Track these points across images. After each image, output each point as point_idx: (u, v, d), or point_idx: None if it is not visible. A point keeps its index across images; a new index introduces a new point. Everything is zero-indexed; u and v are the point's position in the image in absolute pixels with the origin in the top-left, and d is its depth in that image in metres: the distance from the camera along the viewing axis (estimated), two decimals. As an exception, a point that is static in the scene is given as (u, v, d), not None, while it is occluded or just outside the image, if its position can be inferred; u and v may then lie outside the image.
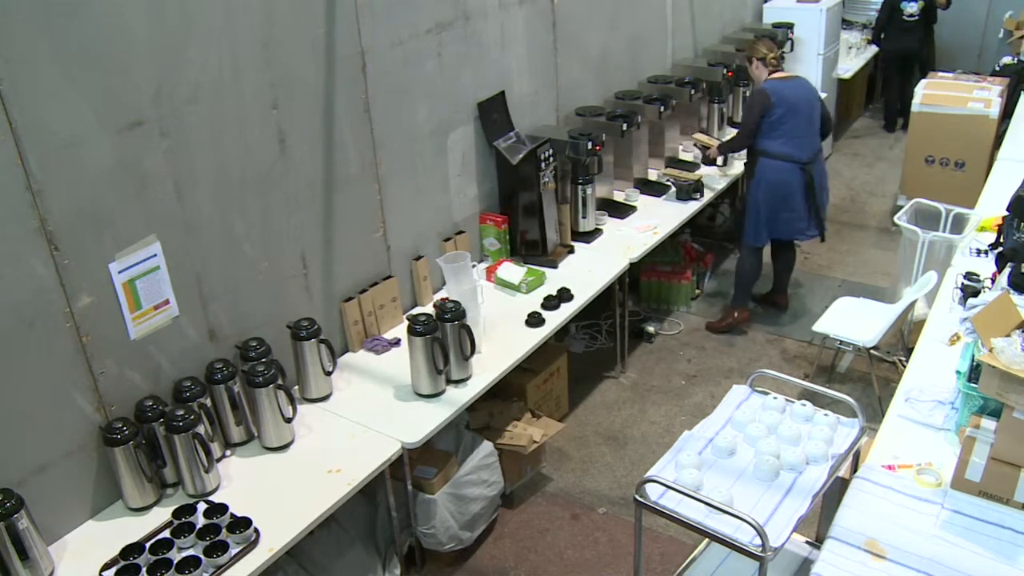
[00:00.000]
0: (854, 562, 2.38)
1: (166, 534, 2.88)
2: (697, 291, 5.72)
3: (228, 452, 3.31)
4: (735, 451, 2.66)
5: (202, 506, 2.99)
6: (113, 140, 2.80)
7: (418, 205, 4.13)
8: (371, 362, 3.83)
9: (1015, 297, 3.06)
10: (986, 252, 3.99)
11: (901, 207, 5.13)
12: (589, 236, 4.84)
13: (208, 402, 3.16)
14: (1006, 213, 3.69)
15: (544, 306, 4.15)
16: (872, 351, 4.45)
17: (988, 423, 2.49)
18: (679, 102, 5.41)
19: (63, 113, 2.65)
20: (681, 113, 5.67)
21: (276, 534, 2.88)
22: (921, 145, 6.30)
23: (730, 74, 5.89)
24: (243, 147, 3.23)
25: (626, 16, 5.40)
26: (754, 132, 4.90)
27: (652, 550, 3.76)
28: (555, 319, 4.08)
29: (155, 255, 3.01)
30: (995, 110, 6.01)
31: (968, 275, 3.58)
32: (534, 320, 4.02)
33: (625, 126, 4.88)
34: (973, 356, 2.64)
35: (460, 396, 3.57)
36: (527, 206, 4.52)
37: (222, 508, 2.97)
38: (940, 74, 6.75)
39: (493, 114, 4.42)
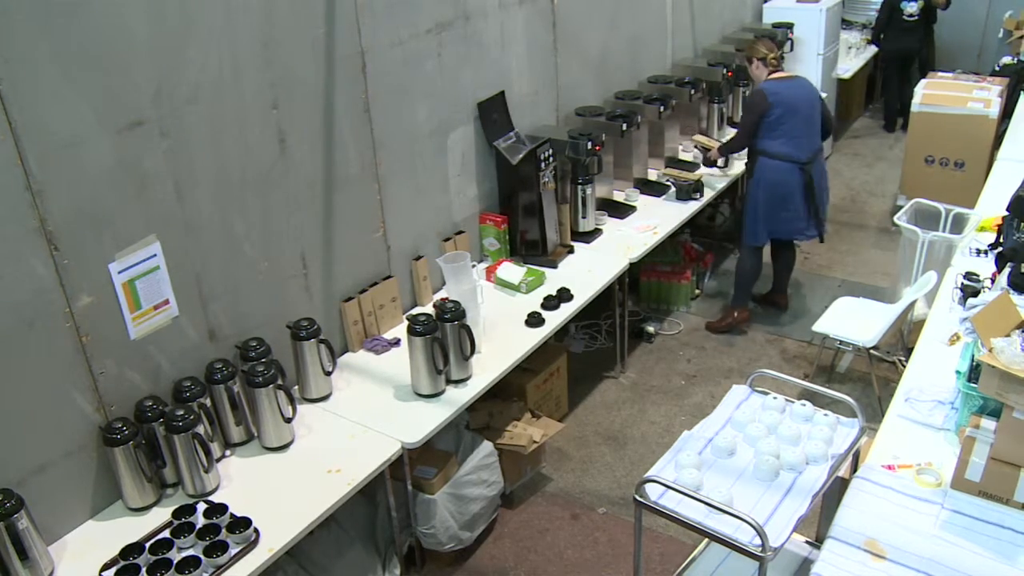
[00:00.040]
0: (854, 562, 2.38)
1: (166, 534, 2.88)
2: (697, 291, 5.72)
3: (228, 452, 3.31)
4: (735, 451, 2.66)
5: (202, 506, 2.99)
6: (113, 140, 2.80)
7: (418, 205, 4.13)
8: (371, 362, 3.83)
9: (1015, 297, 3.06)
10: (986, 252, 3.99)
11: (901, 207, 5.13)
12: (589, 236, 4.84)
13: (208, 402, 3.16)
14: (1006, 213, 3.69)
15: (544, 306, 4.15)
16: (872, 351, 4.45)
17: (988, 423, 2.49)
18: (679, 102, 5.41)
19: (63, 113, 2.65)
20: (681, 113, 5.67)
21: (276, 534, 2.88)
22: (921, 145, 6.31)
23: (730, 74, 5.89)
24: (243, 147, 3.23)
25: (626, 16, 5.40)
26: (752, 133, 4.90)
27: (652, 550, 3.76)
28: (555, 319, 4.08)
29: (155, 255, 3.01)
30: (995, 110, 6.01)
31: (968, 275, 3.58)
32: (534, 320, 4.02)
33: (625, 126, 4.88)
34: (973, 356, 2.64)
35: (460, 396, 3.57)
36: (527, 206, 4.52)
37: (222, 508, 2.97)
38: (940, 74, 6.75)
39: (493, 114, 4.42)
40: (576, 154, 4.62)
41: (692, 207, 5.19)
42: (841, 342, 4.49)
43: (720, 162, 5.48)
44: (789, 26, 6.69)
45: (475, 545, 3.81)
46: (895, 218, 4.97)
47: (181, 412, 2.98)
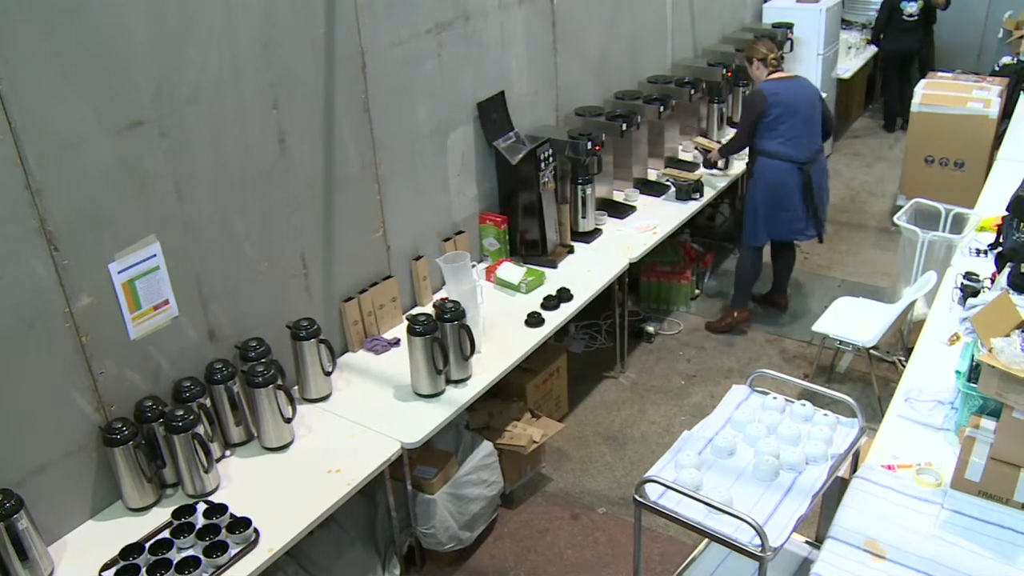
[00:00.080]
0: (854, 562, 2.38)
1: (166, 534, 2.87)
2: (697, 291, 5.72)
3: (228, 452, 3.31)
4: (735, 451, 2.66)
5: (202, 506, 2.99)
6: (113, 140, 2.80)
7: (418, 205, 4.13)
8: (371, 362, 3.83)
9: (1015, 297, 3.06)
10: (985, 252, 3.99)
11: (901, 207, 5.13)
12: (589, 236, 4.84)
13: (208, 402, 3.16)
14: (1005, 213, 3.69)
15: (544, 306, 4.15)
16: (872, 351, 4.45)
17: (988, 423, 2.49)
18: (679, 102, 5.41)
19: (63, 113, 2.65)
20: (681, 113, 5.67)
21: (276, 534, 2.88)
22: (921, 145, 6.31)
23: (730, 74, 5.89)
24: (243, 147, 3.23)
25: (626, 16, 5.40)
26: (751, 133, 4.91)
27: (652, 550, 3.76)
28: (555, 319, 4.08)
29: (155, 255, 3.01)
30: (994, 110, 6.01)
31: (968, 275, 3.58)
32: (534, 320, 4.02)
33: (625, 126, 4.88)
34: (973, 356, 2.64)
35: (460, 396, 3.57)
36: (527, 206, 4.52)
37: (222, 508, 2.97)
38: (939, 74, 6.75)
39: (493, 114, 4.42)
40: (576, 154, 4.62)
41: (692, 207, 5.19)
42: (841, 342, 4.49)
43: (720, 164, 5.48)
44: (789, 26, 6.69)
45: (475, 545, 3.81)
46: (895, 218, 4.98)
47: (181, 412, 2.98)
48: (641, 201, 5.26)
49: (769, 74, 4.88)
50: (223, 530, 2.84)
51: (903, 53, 7.86)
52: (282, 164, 3.40)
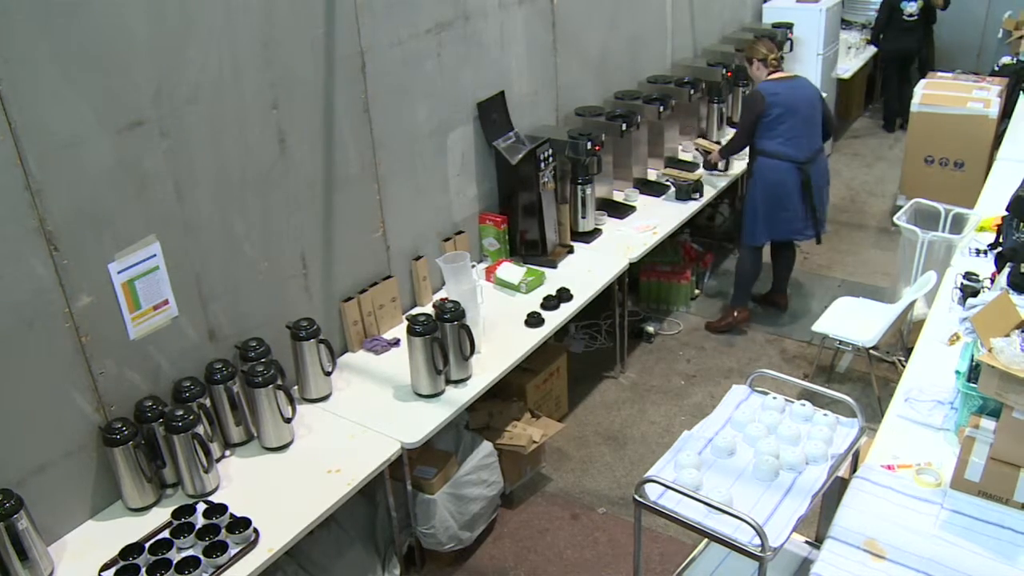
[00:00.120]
0: (854, 562, 2.38)
1: (165, 534, 2.87)
2: (696, 291, 5.72)
3: (228, 452, 3.31)
4: (735, 451, 2.66)
5: (201, 506, 2.99)
6: (113, 140, 2.80)
7: (418, 205, 4.13)
8: (371, 362, 3.83)
9: (1014, 297, 3.06)
10: (985, 252, 3.99)
11: (900, 207, 5.13)
12: (589, 236, 4.84)
13: (208, 402, 3.16)
14: (1005, 213, 3.69)
15: (544, 306, 4.15)
16: (872, 351, 4.45)
17: (987, 423, 2.49)
18: (679, 102, 5.41)
19: (63, 113, 2.65)
20: (680, 113, 5.67)
21: (275, 534, 2.88)
22: (920, 145, 6.31)
23: (729, 74, 5.89)
24: (243, 147, 3.23)
25: (626, 16, 5.40)
26: (750, 133, 4.91)
27: (652, 550, 3.76)
28: (555, 319, 4.08)
29: (155, 255, 3.01)
30: (994, 110, 6.01)
31: (967, 275, 3.58)
32: (534, 320, 4.02)
33: (625, 126, 4.88)
34: (972, 356, 2.64)
35: (460, 396, 3.57)
36: (527, 206, 4.52)
37: (221, 508, 2.97)
38: (939, 74, 6.75)
39: (493, 114, 4.42)
40: (576, 154, 4.62)
41: (692, 207, 5.19)
42: (841, 342, 4.49)
43: (721, 165, 5.49)
44: (789, 26, 6.69)
45: (475, 545, 3.81)
46: (895, 218, 4.98)
47: (181, 412, 2.98)
48: (641, 201, 5.26)
49: (769, 74, 4.89)
50: (223, 530, 2.84)
51: (903, 53, 7.86)
52: (282, 164, 3.40)
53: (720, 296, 5.70)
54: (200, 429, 3.01)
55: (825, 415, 2.75)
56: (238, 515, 2.91)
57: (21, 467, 2.76)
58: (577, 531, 3.92)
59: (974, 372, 2.59)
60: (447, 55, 4.06)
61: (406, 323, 3.55)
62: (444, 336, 3.52)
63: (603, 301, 4.66)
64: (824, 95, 5.19)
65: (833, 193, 6.02)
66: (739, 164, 5.54)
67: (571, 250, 4.70)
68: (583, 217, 4.83)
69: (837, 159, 7.64)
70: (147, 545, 2.82)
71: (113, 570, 2.74)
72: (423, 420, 3.41)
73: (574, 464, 4.33)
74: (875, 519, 2.51)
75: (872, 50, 8.14)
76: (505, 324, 4.02)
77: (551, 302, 4.16)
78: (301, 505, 3.00)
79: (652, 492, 2.53)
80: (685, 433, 2.75)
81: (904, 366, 3.46)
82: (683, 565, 3.04)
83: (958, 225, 4.85)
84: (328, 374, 3.55)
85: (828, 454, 2.60)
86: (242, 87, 3.17)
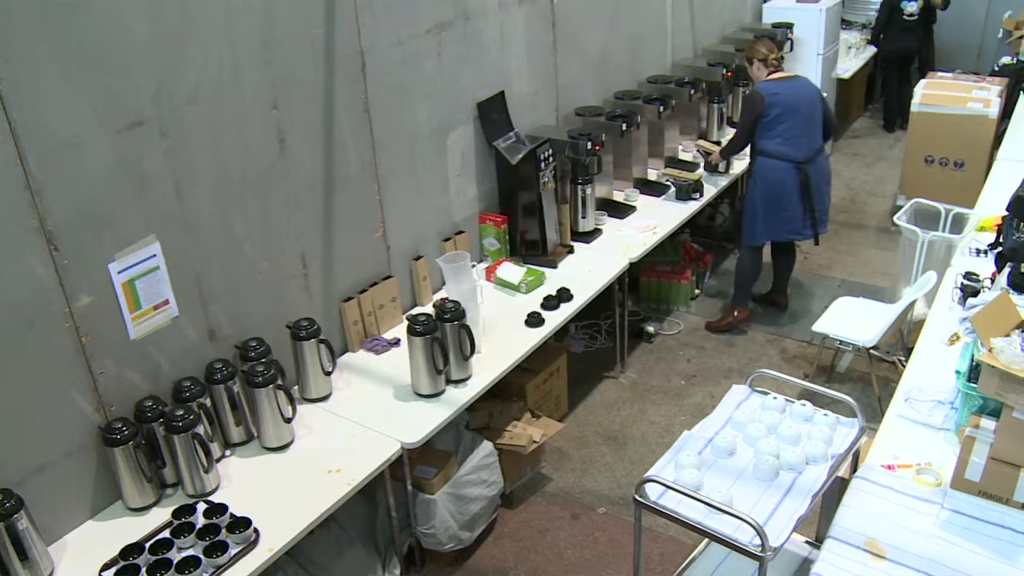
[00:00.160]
0: (854, 562, 2.38)
1: (166, 534, 2.87)
2: (697, 291, 5.72)
3: (228, 452, 3.31)
4: (735, 451, 2.66)
5: (202, 506, 2.99)
6: (113, 140, 2.80)
7: (418, 205, 4.13)
8: (371, 362, 3.83)
9: (1015, 297, 3.06)
10: (985, 252, 3.99)
11: (901, 207, 5.13)
12: (589, 236, 4.84)
13: (208, 402, 3.16)
14: (1005, 213, 3.69)
15: (544, 306, 4.15)
16: (872, 351, 4.45)
17: (988, 423, 2.49)
18: (679, 102, 5.41)
19: (63, 113, 2.65)
20: (681, 113, 5.67)
21: (276, 534, 2.88)
22: (920, 145, 6.31)
23: (729, 74, 5.89)
24: (243, 147, 3.23)
25: (626, 16, 5.40)
26: (749, 133, 4.92)
27: (652, 550, 3.76)
28: (555, 319, 4.08)
29: (155, 255, 3.01)
30: (994, 110, 6.01)
31: (968, 275, 3.58)
32: (534, 320, 4.02)
33: (625, 126, 4.88)
34: (973, 356, 2.64)
35: (460, 396, 3.57)
36: (527, 206, 4.52)
37: (222, 508, 2.97)
38: (939, 74, 6.75)
39: (493, 114, 4.42)
40: (576, 154, 4.62)
41: (692, 207, 5.19)
42: (841, 342, 4.49)
43: (721, 167, 5.49)
44: (789, 26, 6.69)
45: (475, 545, 3.81)
46: (895, 218, 4.98)
47: (181, 412, 2.98)
48: (641, 201, 5.26)
49: (769, 74, 4.89)
50: (223, 530, 2.84)
51: (903, 53, 7.86)
52: (282, 164, 3.40)
53: (720, 296, 5.70)
54: (200, 429, 3.00)
55: (825, 415, 2.75)
56: (238, 515, 2.91)
57: (21, 467, 2.76)
58: (577, 531, 3.92)
59: (974, 372, 2.59)
60: (447, 55, 4.06)
61: (406, 323, 3.55)
62: (444, 336, 3.52)
63: (603, 301, 4.66)
64: (824, 95, 5.19)
65: (833, 193, 6.00)
66: (739, 164, 5.54)
67: (571, 250, 4.70)
68: (583, 217, 4.83)
69: (837, 159, 7.64)
70: (147, 545, 2.82)
71: (113, 570, 2.74)
72: (423, 420, 3.41)
73: (574, 464, 4.33)
74: (875, 519, 2.51)
75: (872, 50, 8.14)
76: (505, 324, 4.02)
77: (551, 302, 4.16)
78: (301, 505, 3.00)
79: (652, 492, 2.53)
80: (685, 433, 2.75)
81: (904, 366, 3.46)
82: (683, 565, 3.04)
83: (958, 225, 4.85)
84: (328, 374, 3.55)
85: (828, 454, 2.60)
86: (242, 87, 3.17)
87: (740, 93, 6.06)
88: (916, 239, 4.77)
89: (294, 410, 3.32)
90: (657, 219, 5.01)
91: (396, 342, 3.91)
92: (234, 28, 3.10)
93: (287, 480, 3.15)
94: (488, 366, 3.73)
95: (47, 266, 2.70)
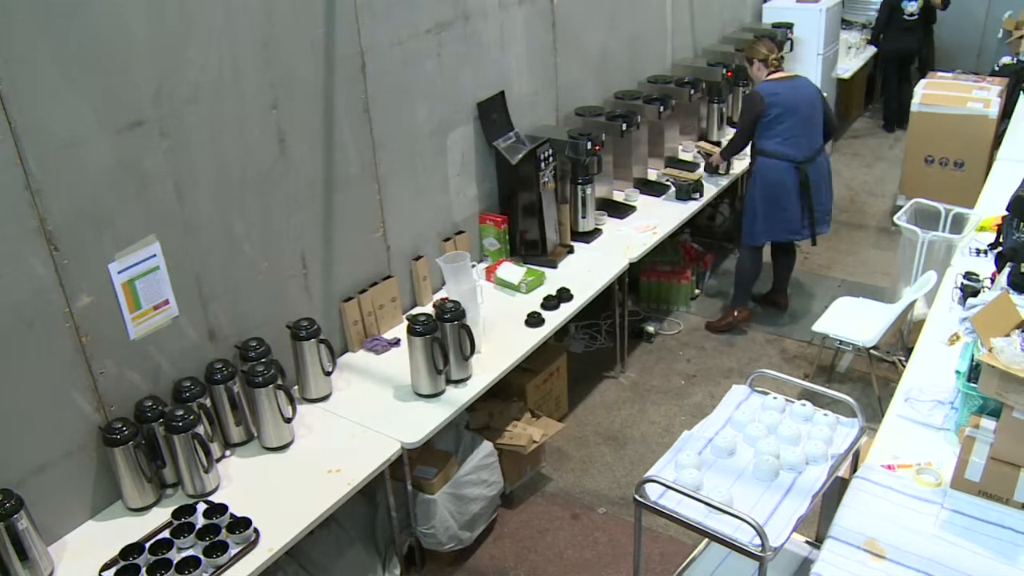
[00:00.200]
0: (854, 562, 2.38)
1: (166, 534, 2.87)
2: (697, 291, 5.72)
3: (228, 452, 3.31)
4: (735, 451, 2.66)
5: (202, 506, 2.99)
6: (113, 140, 2.80)
7: (418, 205, 4.13)
8: (371, 362, 3.83)
9: (1015, 297, 3.06)
10: (985, 252, 3.99)
11: (901, 207, 5.13)
12: (589, 236, 4.84)
13: (208, 402, 3.16)
14: (1005, 213, 3.69)
15: (544, 306, 4.15)
16: (872, 351, 4.45)
17: (988, 423, 2.49)
18: (679, 102, 5.41)
19: (63, 113, 2.65)
20: (681, 113, 5.67)
21: (276, 534, 2.88)
22: (920, 145, 6.31)
23: (729, 74, 5.89)
24: (243, 147, 3.23)
25: (626, 16, 5.40)
26: (749, 134, 4.92)
27: (652, 550, 3.76)
28: (555, 319, 4.08)
29: (155, 255, 3.01)
30: (994, 110, 6.01)
31: (968, 275, 3.58)
32: (534, 320, 4.02)
33: (625, 126, 4.88)
34: (973, 356, 2.64)
35: (460, 396, 3.57)
36: (527, 206, 4.52)
37: (222, 508, 2.97)
38: (939, 74, 6.75)
39: (493, 114, 4.42)
40: (576, 154, 4.62)
41: (692, 207, 5.19)
42: (841, 342, 4.49)
43: (722, 168, 5.48)
44: (789, 26, 6.69)
45: (475, 545, 3.81)
46: (895, 218, 4.98)
47: (181, 412, 2.98)
48: (641, 201, 5.26)
49: (769, 74, 4.89)
50: (223, 530, 2.84)
51: (903, 53, 7.86)
52: (282, 164, 3.40)
53: (720, 296, 5.70)
54: (200, 429, 3.00)
55: (825, 415, 2.75)
56: (238, 515, 2.91)
57: (21, 467, 2.76)
58: (577, 531, 3.92)
59: (974, 372, 2.59)
60: (447, 55, 4.06)
61: (406, 323, 3.55)
62: (444, 336, 3.52)
63: (603, 301, 4.66)
64: (824, 95, 5.19)
65: (834, 193, 6.02)
66: (739, 164, 5.54)
67: (571, 250, 4.70)
68: (583, 217, 4.83)
69: (837, 159, 7.64)
70: (147, 545, 2.82)
71: (113, 570, 2.74)
72: (423, 420, 3.41)
73: (574, 464, 4.33)
74: (875, 519, 2.51)
75: (872, 50, 8.14)
76: (505, 324, 4.02)
77: (551, 302, 4.16)
78: (301, 505, 3.00)
79: (652, 492, 2.53)
80: (685, 433, 2.75)
81: (904, 366, 3.46)
82: (683, 565, 3.04)
83: (958, 225, 4.85)
84: (328, 374, 3.55)
85: (828, 454, 2.60)
86: (242, 87, 3.17)
87: (740, 93, 6.06)
88: (916, 239, 4.77)
89: (294, 410, 3.32)
90: (657, 219, 5.01)
91: (396, 342, 3.91)
92: (234, 28, 3.10)
93: (287, 480, 3.15)
94: (488, 366, 3.73)
95: (47, 266, 2.70)
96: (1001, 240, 3.80)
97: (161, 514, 3.00)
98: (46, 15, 2.56)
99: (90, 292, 2.84)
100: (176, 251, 3.08)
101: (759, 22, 7.07)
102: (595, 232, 4.89)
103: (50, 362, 2.78)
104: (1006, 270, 3.43)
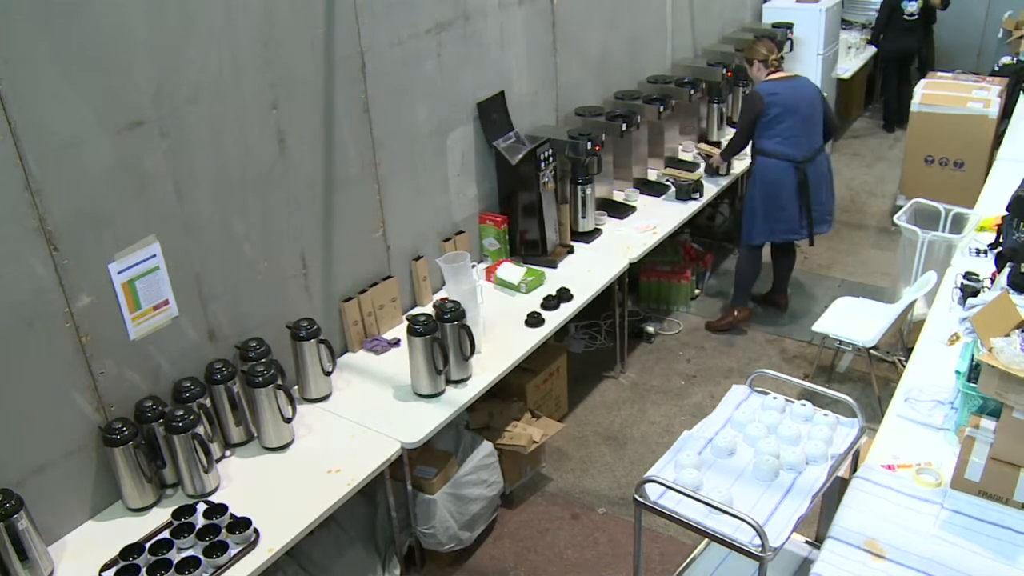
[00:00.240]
0: (854, 562, 2.38)
1: (166, 534, 2.87)
2: (697, 291, 5.72)
3: (228, 452, 3.30)
4: (735, 451, 2.66)
5: (202, 506, 2.99)
6: (113, 140, 2.80)
7: (418, 205, 4.13)
8: (371, 362, 3.83)
9: (1014, 297, 3.06)
10: (985, 252, 3.99)
11: (900, 207, 5.13)
12: (589, 236, 4.84)
13: (208, 402, 3.16)
14: (1005, 213, 3.69)
15: (544, 306, 4.15)
16: (872, 351, 4.45)
17: (987, 423, 2.49)
18: (679, 102, 5.41)
19: (63, 113, 2.65)
20: (681, 113, 5.67)
21: (276, 534, 2.88)
22: (920, 145, 6.31)
23: (729, 74, 5.89)
24: (243, 147, 3.23)
25: (626, 16, 5.40)
26: (749, 134, 4.93)
27: (652, 550, 3.76)
28: (555, 319, 4.08)
29: (155, 255, 3.01)
30: (994, 110, 6.01)
31: (967, 275, 3.58)
32: (534, 320, 4.02)
33: (625, 126, 4.88)
34: (972, 356, 2.64)
35: (460, 396, 3.57)
36: (527, 206, 4.52)
37: (222, 508, 2.97)
38: (939, 74, 6.75)
39: (493, 114, 4.42)
40: (576, 154, 4.62)
41: (692, 207, 5.19)
42: (841, 342, 4.49)
43: (722, 169, 5.48)
44: (789, 26, 6.69)
45: (475, 545, 3.81)
46: (895, 218, 4.98)
47: (181, 412, 2.98)
48: (641, 201, 5.26)
49: (769, 74, 4.89)
50: (223, 530, 2.84)
51: (903, 53, 7.86)
52: (282, 164, 3.40)
53: (720, 296, 5.70)
54: (200, 429, 3.00)
55: (825, 415, 2.75)
56: (238, 515, 2.91)
57: (21, 467, 2.76)
58: (577, 531, 3.92)
59: (974, 372, 2.59)
60: (447, 55, 4.06)
61: (406, 323, 3.55)
62: (444, 336, 3.52)
63: (603, 301, 4.66)
64: (824, 95, 5.19)
65: (835, 193, 6.02)
66: (739, 165, 5.54)
67: (571, 250, 4.70)
68: (583, 217, 4.83)
69: (837, 159, 7.63)
70: (147, 545, 2.82)
71: (113, 570, 2.74)
72: (423, 420, 3.41)
73: (574, 464, 4.33)
74: (875, 519, 2.51)
75: (872, 50, 8.14)
76: (505, 324, 4.02)
77: (551, 302, 4.16)
78: (301, 505, 3.00)
79: (652, 492, 2.53)
80: (685, 433, 2.75)
81: (904, 366, 3.46)
82: (683, 565, 3.04)
83: (958, 225, 4.85)
84: (328, 374, 3.55)
85: (828, 454, 2.60)
86: (242, 87, 3.17)
87: (740, 93, 6.06)
88: (916, 239, 4.77)
89: (294, 410, 3.32)
90: (657, 219, 5.01)
91: (396, 342, 3.91)
92: (234, 28, 3.10)
93: (287, 480, 3.15)
94: (488, 366, 3.73)
95: (47, 266, 2.70)
96: (1001, 240, 3.80)
97: (161, 514, 3.00)
98: (46, 15, 2.56)
99: (90, 292, 2.84)
100: (176, 251, 3.08)
101: (759, 22, 7.07)
102: (595, 232, 4.89)
103: (50, 362, 2.78)
104: (1006, 270, 3.43)
